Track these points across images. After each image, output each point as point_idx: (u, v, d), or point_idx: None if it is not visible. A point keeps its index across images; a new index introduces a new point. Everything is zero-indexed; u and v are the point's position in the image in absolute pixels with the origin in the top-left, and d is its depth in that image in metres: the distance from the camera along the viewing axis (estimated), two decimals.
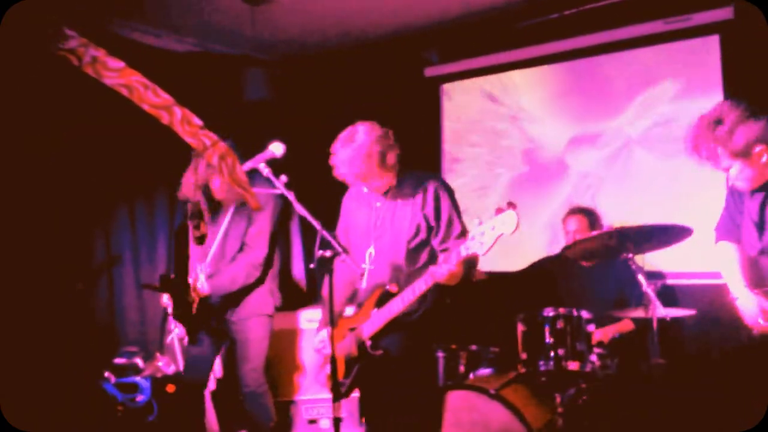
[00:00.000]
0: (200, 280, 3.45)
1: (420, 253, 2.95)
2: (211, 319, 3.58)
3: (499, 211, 2.43)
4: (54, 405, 3.50)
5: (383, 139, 2.92)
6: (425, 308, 2.91)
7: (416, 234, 2.93)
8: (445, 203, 2.93)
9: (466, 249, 2.52)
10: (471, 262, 2.69)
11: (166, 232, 4.82)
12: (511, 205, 2.42)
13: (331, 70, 5.44)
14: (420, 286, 2.74)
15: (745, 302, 2.74)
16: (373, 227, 3.03)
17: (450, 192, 2.97)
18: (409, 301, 2.79)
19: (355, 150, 2.86)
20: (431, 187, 2.94)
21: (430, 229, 2.93)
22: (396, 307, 2.82)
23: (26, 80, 3.26)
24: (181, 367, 3.61)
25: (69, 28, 2.20)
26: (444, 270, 2.63)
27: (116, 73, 2.30)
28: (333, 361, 2.66)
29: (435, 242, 2.93)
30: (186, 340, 3.54)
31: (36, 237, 3.92)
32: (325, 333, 3.04)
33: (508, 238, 2.44)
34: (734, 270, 2.85)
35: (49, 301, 3.94)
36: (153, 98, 2.37)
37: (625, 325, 3.78)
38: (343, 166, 2.89)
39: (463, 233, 2.83)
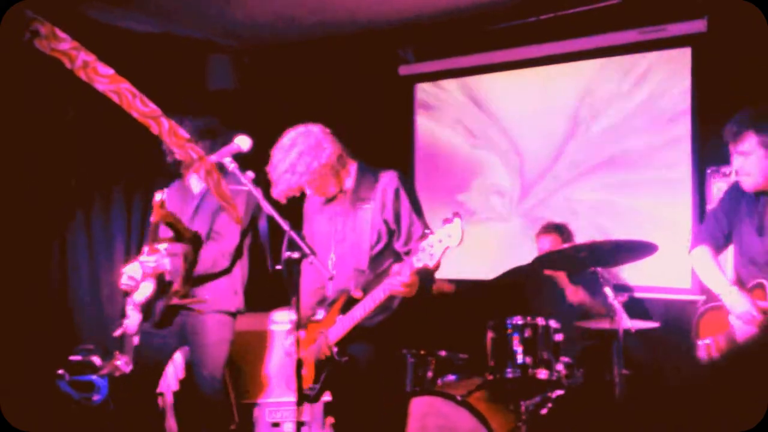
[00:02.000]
0: (162, 257, 3.23)
1: (383, 257, 2.93)
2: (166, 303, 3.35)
3: (445, 221, 2.42)
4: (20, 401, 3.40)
5: (328, 140, 2.85)
6: (387, 314, 2.89)
7: (378, 240, 2.90)
8: (404, 204, 2.88)
9: (417, 261, 2.50)
10: (426, 273, 2.66)
11: (123, 229, 4.73)
12: (456, 214, 2.41)
13: (301, 61, 5.37)
14: (378, 294, 2.72)
15: (734, 298, 2.80)
16: (334, 232, 2.98)
17: (409, 189, 2.93)
18: (370, 308, 2.77)
19: (301, 155, 2.77)
20: (389, 188, 2.88)
21: (391, 232, 2.91)
22: (358, 313, 2.80)
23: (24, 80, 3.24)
24: (131, 362, 3.40)
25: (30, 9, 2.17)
26: (397, 283, 2.62)
27: (107, 79, 2.32)
28: (299, 364, 2.62)
29: (398, 245, 2.92)
30: (136, 332, 3.31)
31: None
32: (292, 335, 3.01)
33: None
34: (715, 271, 2.92)
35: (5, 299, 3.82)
36: (141, 107, 2.42)
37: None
38: (287, 175, 2.77)
39: (423, 235, 2.79)
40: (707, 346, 2.93)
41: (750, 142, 2.81)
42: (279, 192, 2.83)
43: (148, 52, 4.67)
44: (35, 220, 4.18)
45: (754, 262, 2.86)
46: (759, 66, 3.84)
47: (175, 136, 2.43)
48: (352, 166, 2.95)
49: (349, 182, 2.93)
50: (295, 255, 2.61)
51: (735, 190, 2.97)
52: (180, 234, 3.06)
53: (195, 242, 3.12)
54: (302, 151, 2.77)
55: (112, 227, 4.69)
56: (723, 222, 2.96)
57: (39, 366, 3.93)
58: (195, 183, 3.51)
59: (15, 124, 3.89)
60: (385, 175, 2.93)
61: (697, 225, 3.98)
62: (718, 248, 2.99)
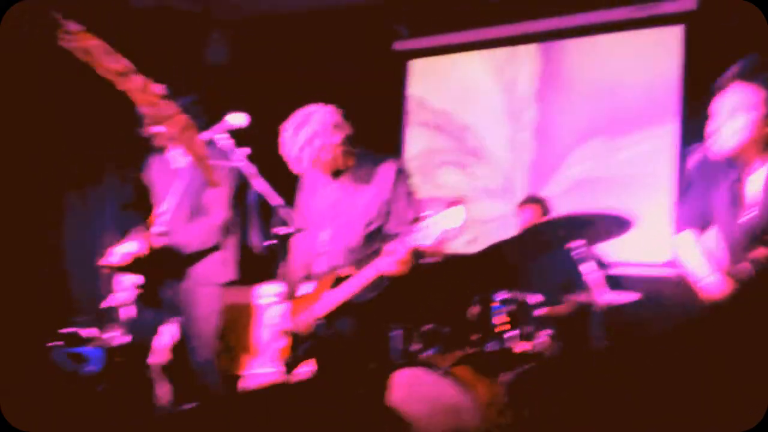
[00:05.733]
0: (152, 236, 3.35)
1: (376, 238, 3.05)
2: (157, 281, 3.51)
3: (449, 204, 2.56)
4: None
5: (341, 121, 3.00)
6: (378, 292, 3.02)
7: (372, 221, 3.03)
8: (401, 189, 3.02)
9: (413, 240, 2.64)
10: (419, 253, 2.79)
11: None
12: (460, 199, 2.55)
13: (296, 34, 5.46)
14: (369, 272, 2.85)
15: (712, 284, 2.75)
16: (329, 209, 3.11)
17: (407, 177, 3.07)
18: (359, 286, 2.90)
19: (315, 133, 2.92)
20: (390, 172, 3.02)
21: (386, 215, 3.03)
22: (347, 290, 2.93)
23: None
24: (124, 334, 3.56)
25: None
26: (390, 261, 2.75)
27: (73, 36, 2.31)
28: (292, 336, 2.77)
29: (389, 227, 3.04)
30: (127, 306, 3.45)
31: None
32: (278, 308, 3.16)
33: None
34: (700, 257, 2.87)
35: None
36: (112, 64, 2.36)
37: (564, 308, 3.98)
38: (299, 150, 2.93)
39: (416, 219, 2.90)
40: None
41: (740, 96, 2.54)
42: (294, 164, 2.97)
43: (145, 28, 4.78)
44: (33, 195, 4.32)
45: (734, 248, 2.75)
46: (750, 44, 3.96)
47: (147, 93, 2.39)
48: (352, 149, 3.06)
49: (350, 164, 3.07)
50: (284, 231, 2.77)
51: (703, 167, 2.84)
52: None
53: None
54: (318, 130, 2.91)
55: (107, 200, 4.83)
56: (698, 203, 2.87)
57: (35, 337, 4.10)
58: (178, 157, 3.54)
59: (14, 117, 3.99)
60: (386, 160, 3.06)
61: (679, 207, 4.11)
62: (701, 228, 2.91)
